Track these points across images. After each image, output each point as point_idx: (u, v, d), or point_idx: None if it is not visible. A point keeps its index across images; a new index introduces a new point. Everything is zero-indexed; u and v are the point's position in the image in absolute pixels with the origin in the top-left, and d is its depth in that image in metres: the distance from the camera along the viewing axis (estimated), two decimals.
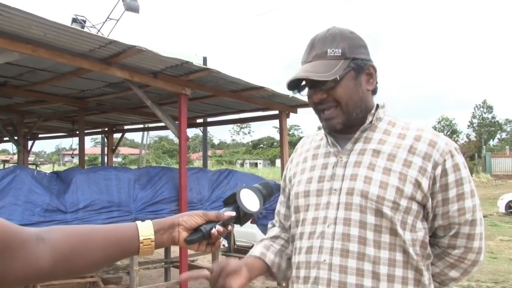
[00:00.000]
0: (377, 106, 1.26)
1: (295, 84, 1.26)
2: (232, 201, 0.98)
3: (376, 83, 1.29)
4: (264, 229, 5.46)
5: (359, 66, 1.22)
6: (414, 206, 1.16)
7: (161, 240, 0.88)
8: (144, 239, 0.85)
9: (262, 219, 5.23)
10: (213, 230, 0.91)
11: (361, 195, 1.16)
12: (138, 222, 0.87)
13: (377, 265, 1.13)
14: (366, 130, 1.25)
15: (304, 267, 1.22)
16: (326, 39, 1.21)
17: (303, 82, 1.26)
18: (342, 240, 1.16)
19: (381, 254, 1.14)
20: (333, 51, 1.19)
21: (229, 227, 0.95)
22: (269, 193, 1.05)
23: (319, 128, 1.50)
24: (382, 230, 1.14)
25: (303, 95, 1.29)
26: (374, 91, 1.30)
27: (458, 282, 1.27)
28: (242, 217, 0.97)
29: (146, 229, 0.86)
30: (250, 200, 0.98)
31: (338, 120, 1.22)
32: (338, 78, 1.18)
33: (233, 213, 0.95)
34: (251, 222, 5.57)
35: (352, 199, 1.17)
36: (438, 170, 1.16)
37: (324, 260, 1.17)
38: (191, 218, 0.91)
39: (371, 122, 1.24)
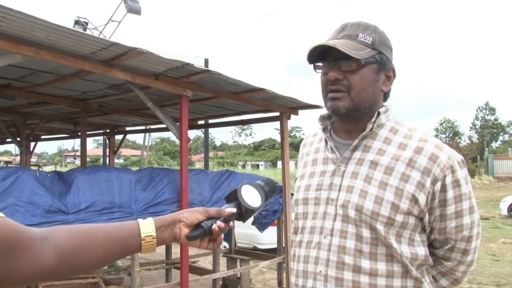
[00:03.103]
0: (378, 112, 1.20)
1: (315, 57, 1.20)
2: (233, 197, 0.98)
3: (390, 89, 1.26)
4: (261, 227, 5.46)
5: (383, 63, 1.19)
6: (411, 220, 1.14)
7: (163, 237, 0.88)
8: (145, 236, 0.85)
9: (261, 218, 5.24)
10: (214, 226, 0.90)
11: (355, 209, 1.14)
12: (140, 220, 0.88)
13: (374, 277, 1.12)
14: (366, 138, 1.20)
15: (302, 276, 1.22)
16: (360, 25, 1.19)
17: (319, 63, 1.21)
18: (338, 252, 1.15)
19: (378, 266, 1.12)
20: (364, 37, 1.16)
21: (231, 223, 0.95)
22: (271, 189, 1.03)
23: None
24: (378, 243, 1.13)
25: (318, 72, 1.23)
26: (386, 95, 1.26)
27: None
28: (244, 213, 0.97)
29: (147, 227, 0.86)
30: (251, 196, 0.97)
31: (344, 103, 1.17)
32: (363, 63, 1.14)
33: (234, 210, 0.94)
34: (254, 224, 5.57)
35: (347, 211, 1.16)
36: (438, 186, 1.13)
37: (320, 271, 1.16)
38: (192, 214, 0.91)
39: (371, 129, 1.19)
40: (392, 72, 1.23)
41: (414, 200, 1.12)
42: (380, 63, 1.18)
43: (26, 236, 0.74)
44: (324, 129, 1.29)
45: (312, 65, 1.23)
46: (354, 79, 1.16)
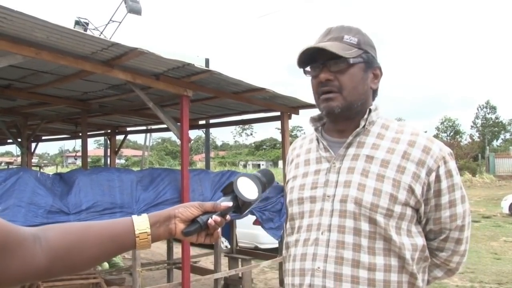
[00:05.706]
0: (369, 110, 1.24)
1: (304, 61, 1.24)
2: (230, 190, 0.96)
3: (378, 87, 1.30)
4: (272, 233, 5.25)
5: (370, 61, 1.23)
6: (408, 212, 1.16)
7: (158, 233, 0.87)
8: (140, 233, 0.84)
9: (267, 222, 5.17)
10: (210, 221, 0.89)
11: (355, 202, 1.16)
12: (134, 216, 0.86)
13: (372, 272, 1.13)
14: (359, 135, 1.23)
15: (299, 274, 1.21)
16: (343, 28, 1.24)
17: (308, 68, 1.25)
18: (337, 248, 1.15)
19: (376, 261, 1.13)
20: (349, 38, 1.21)
21: (227, 217, 0.94)
22: (269, 180, 1.01)
23: None
24: (377, 236, 1.14)
25: (308, 76, 1.26)
26: (375, 93, 1.30)
27: (441, 280, 1.31)
28: (241, 206, 0.96)
29: (141, 223, 0.85)
30: (247, 189, 0.96)
31: (337, 103, 1.20)
32: (351, 62, 1.18)
33: (230, 203, 0.93)
34: (256, 223, 5.54)
35: (346, 206, 1.17)
36: (432, 177, 1.17)
37: (318, 268, 1.16)
38: (187, 209, 0.90)
39: (364, 126, 1.23)
40: (378, 70, 1.28)
41: (411, 190, 1.15)
42: (367, 62, 1.23)
43: (16, 236, 0.73)
44: (315, 130, 1.32)
45: (302, 69, 1.27)
46: (344, 79, 1.20)
